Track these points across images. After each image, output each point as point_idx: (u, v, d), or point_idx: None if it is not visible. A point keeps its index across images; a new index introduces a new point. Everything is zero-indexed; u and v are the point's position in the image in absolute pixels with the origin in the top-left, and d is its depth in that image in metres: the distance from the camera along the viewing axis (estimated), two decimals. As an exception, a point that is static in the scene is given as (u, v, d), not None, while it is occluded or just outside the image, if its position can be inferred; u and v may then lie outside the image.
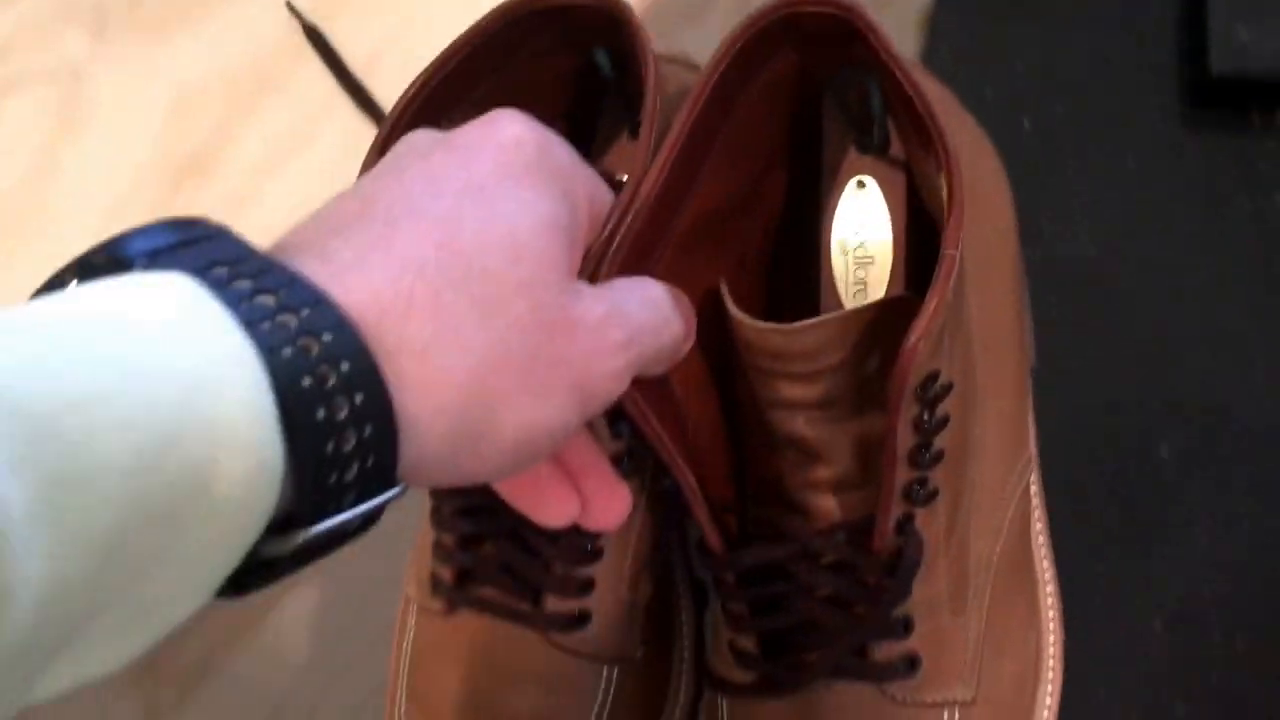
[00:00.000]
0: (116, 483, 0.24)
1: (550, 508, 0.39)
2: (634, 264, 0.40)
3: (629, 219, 0.40)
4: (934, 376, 0.41)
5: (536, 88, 0.48)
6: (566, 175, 0.36)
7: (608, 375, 0.35)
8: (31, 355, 0.24)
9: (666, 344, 0.38)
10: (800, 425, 0.43)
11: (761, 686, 0.46)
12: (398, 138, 0.38)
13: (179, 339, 0.26)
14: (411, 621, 0.52)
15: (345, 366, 0.29)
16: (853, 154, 0.49)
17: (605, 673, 0.50)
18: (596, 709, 0.50)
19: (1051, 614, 0.50)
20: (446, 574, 0.49)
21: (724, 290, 0.43)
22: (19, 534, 0.22)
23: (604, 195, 0.39)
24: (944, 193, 0.41)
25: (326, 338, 0.29)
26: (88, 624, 0.25)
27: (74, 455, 0.23)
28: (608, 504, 0.40)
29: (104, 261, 0.29)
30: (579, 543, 0.49)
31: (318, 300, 0.29)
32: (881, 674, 0.45)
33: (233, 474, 0.26)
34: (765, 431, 0.44)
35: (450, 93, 0.45)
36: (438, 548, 0.49)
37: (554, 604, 0.49)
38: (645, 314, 0.37)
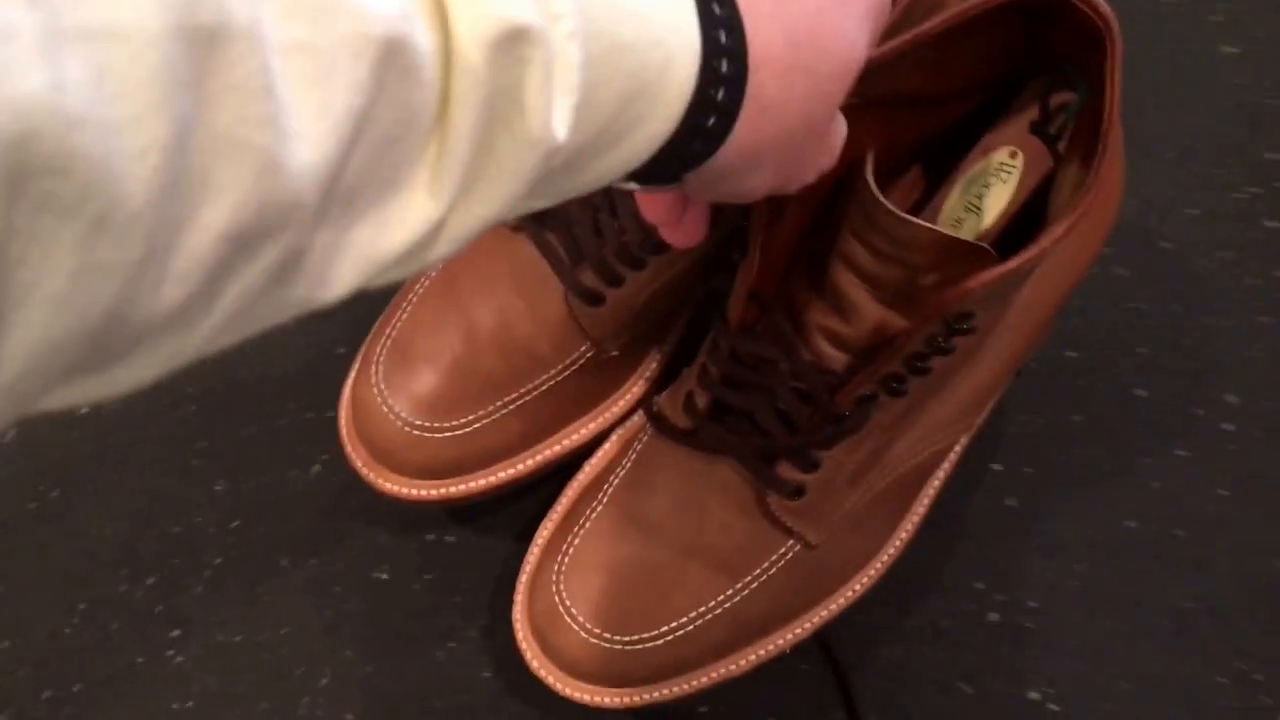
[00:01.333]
0: (607, 113, 0.32)
1: (657, 207, 0.46)
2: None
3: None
4: (969, 316, 0.49)
5: None
6: (880, 24, 0.42)
7: (803, 182, 0.43)
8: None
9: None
10: (850, 286, 0.51)
11: (688, 434, 0.55)
12: None
13: (667, 25, 0.32)
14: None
15: (731, 91, 0.34)
16: (1023, 129, 0.56)
17: (582, 349, 0.59)
18: (559, 368, 0.59)
19: (903, 535, 0.59)
20: (528, 203, 0.57)
21: (870, 159, 0.51)
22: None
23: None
24: (1079, 195, 0.48)
25: (733, 66, 0.34)
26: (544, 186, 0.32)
27: (597, 83, 0.31)
28: (691, 231, 0.48)
29: None
30: (637, 245, 0.57)
31: (738, 24, 0.34)
32: (772, 484, 0.54)
33: (653, 126, 0.33)
34: (821, 272, 0.53)
35: None
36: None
37: (585, 276, 0.58)
38: (837, 147, 0.44)
